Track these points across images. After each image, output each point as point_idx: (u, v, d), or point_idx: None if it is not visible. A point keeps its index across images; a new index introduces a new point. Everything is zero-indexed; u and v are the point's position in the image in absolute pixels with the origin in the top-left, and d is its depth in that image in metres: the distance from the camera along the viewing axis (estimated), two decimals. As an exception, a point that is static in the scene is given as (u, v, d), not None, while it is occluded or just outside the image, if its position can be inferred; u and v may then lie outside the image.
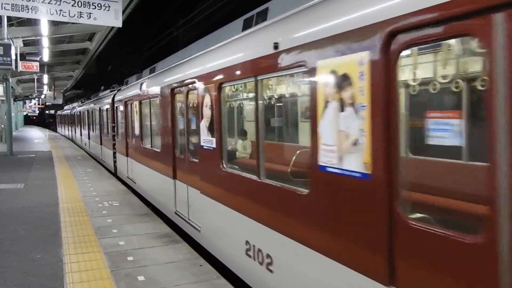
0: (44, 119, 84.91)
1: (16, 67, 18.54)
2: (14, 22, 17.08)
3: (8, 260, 5.96)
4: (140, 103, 10.45)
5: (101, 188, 11.64)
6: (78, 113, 27.83)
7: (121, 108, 13.11)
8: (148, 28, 27.59)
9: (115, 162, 14.58)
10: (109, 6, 8.26)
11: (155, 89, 8.86)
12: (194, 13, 16.47)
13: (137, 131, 10.84)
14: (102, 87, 21.07)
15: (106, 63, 29.75)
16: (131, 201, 9.97)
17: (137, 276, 5.26)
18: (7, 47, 15.66)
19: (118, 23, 8.59)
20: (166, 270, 5.49)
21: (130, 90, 12.13)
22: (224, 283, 5.09)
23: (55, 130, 64.88)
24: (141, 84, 10.50)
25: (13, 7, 7.66)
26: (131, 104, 11.65)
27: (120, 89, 14.80)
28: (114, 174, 14.56)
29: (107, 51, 22.82)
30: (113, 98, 14.72)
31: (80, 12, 8.02)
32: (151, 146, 9.56)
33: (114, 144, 14.54)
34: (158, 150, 8.69)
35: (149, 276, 5.28)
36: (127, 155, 12.32)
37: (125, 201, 9.92)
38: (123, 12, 12.28)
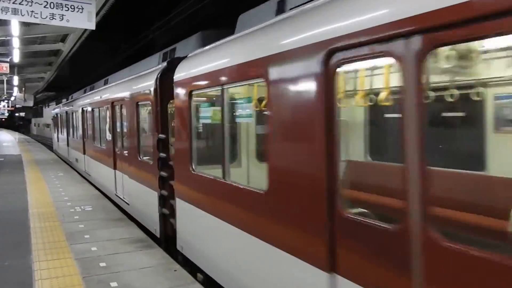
0: (14, 122, 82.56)
1: (-16, 68, 18.00)
2: (-18, 21, 16.55)
3: (-26, 268, 5.76)
4: (92, 110, 12.69)
5: (73, 192, 11.40)
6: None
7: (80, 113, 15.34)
8: (124, 30, 27.23)
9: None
10: (82, 8, 8.11)
11: (104, 99, 11.12)
12: (170, 16, 16.39)
13: (90, 132, 13.32)
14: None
15: (80, 65, 29.16)
16: (105, 205, 9.80)
17: (110, 283, 5.17)
18: (-25, 48, 15.17)
19: (91, 26, 8.44)
20: (140, 275, 5.42)
21: (77, 101, 15.08)
22: (199, 288, 5.08)
23: (26, 133, 63.04)
24: (93, 94, 12.89)
25: (-19, 8, 7.44)
26: (86, 111, 13.91)
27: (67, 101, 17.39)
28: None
29: (80, 53, 22.33)
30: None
31: (53, 13, 7.84)
32: (100, 145, 11.84)
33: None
34: (104, 148, 11.22)
35: (122, 282, 5.20)
36: (84, 153, 14.64)
37: (98, 205, 9.74)
38: (98, 13, 12.10)
